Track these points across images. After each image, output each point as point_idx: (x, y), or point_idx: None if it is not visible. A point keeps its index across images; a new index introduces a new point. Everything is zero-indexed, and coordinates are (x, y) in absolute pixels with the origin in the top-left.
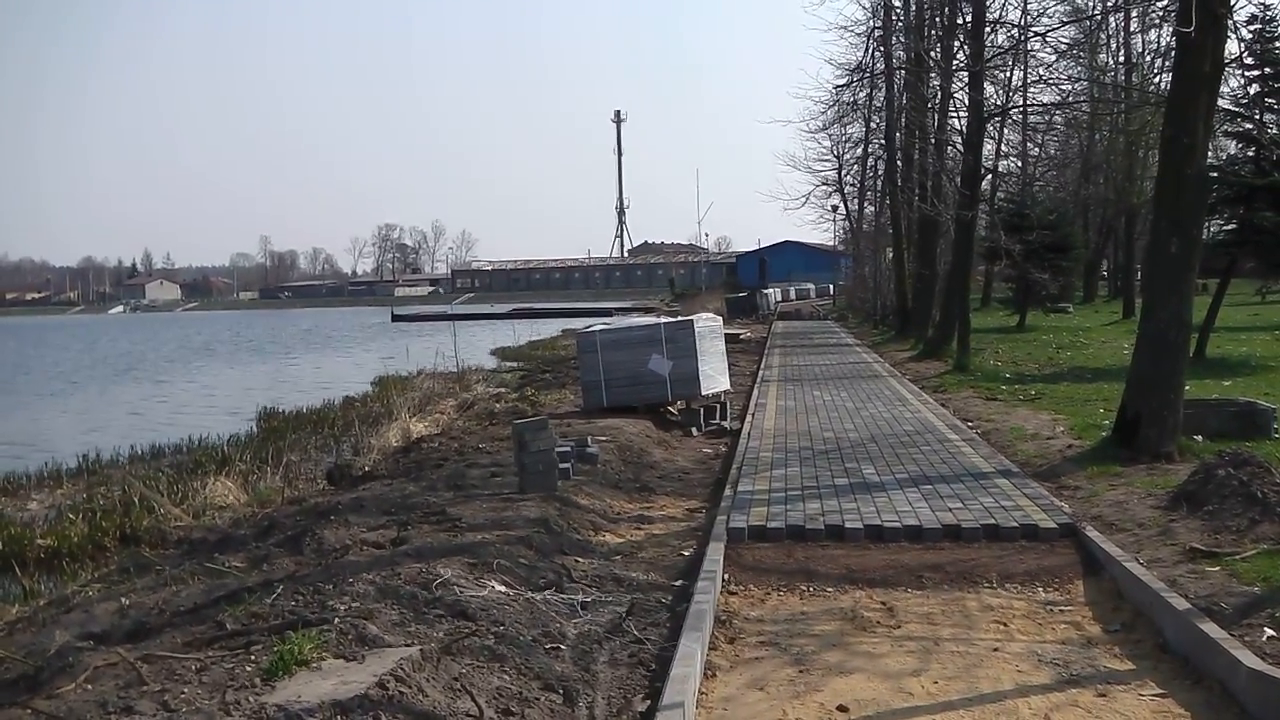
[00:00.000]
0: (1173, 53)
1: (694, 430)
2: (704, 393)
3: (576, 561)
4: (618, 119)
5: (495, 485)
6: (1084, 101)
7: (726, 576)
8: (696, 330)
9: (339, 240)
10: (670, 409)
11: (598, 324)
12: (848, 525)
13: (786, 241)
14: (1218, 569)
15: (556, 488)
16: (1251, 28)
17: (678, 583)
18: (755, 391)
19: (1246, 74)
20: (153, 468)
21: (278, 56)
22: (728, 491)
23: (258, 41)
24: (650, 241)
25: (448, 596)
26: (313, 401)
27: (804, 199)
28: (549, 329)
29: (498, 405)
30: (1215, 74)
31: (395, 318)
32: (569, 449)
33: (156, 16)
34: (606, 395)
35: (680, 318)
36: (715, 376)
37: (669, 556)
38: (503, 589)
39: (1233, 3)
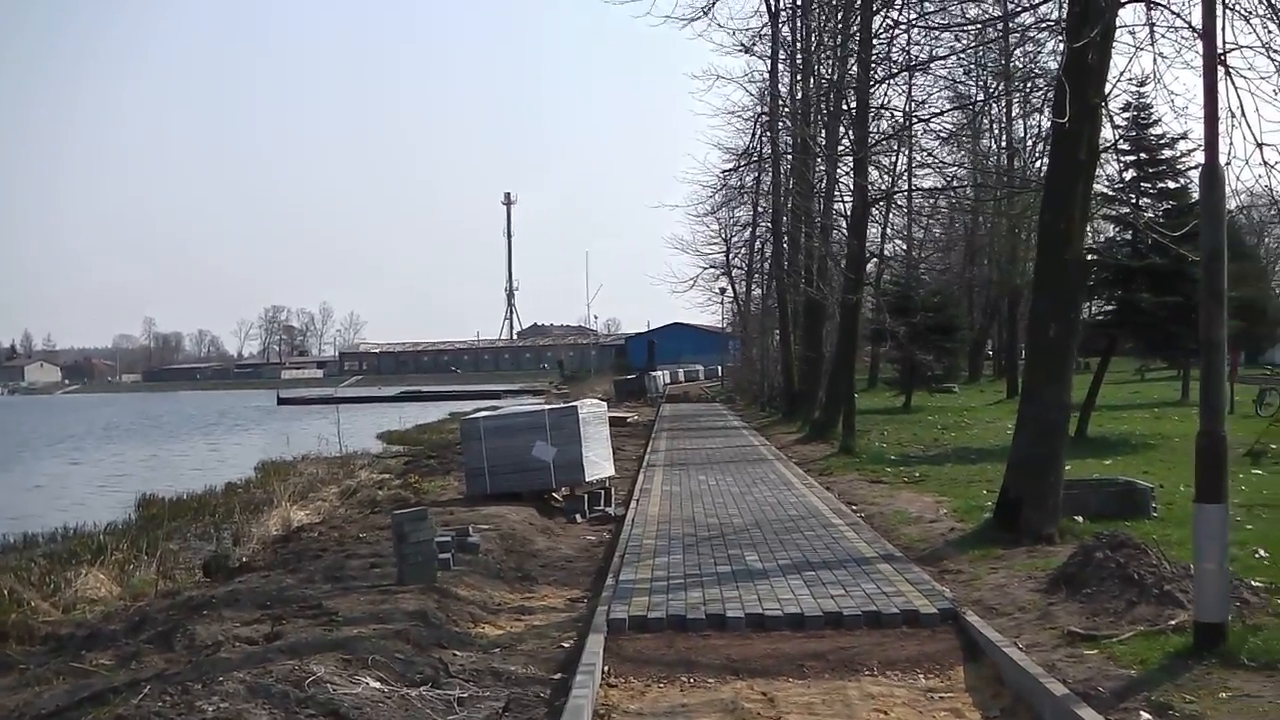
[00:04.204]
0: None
1: (578, 517)
2: (588, 479)
3: (454, 655)
4: (508, 201)
5: (374, 576)
6: (967, 186)
7: (606, 669)
8: (581, 416)
9: (225, 322)
10: (555, 495)
11: (482, 410)
12: (729, 614)
13: (675, 323)
14: (1096, 652)
15: (436, 579)
16: (1126, 115)
17: (557, 676)
18: (641, 476)
19: (1123, 159)
20: (24, 557)
21: (158, 139)
22: (609, 581)
23: (138, 123)
24: (540, 324)
25: (320, 695)
26: (194, 487)
27: (692, 282)
28: (437, 412)
29: (380, 492)
30: (1091, 161)
31: (281, 401)
32: (449, 539)
33: (29, 98)
34: (490, 482)
35: (564, 404)
36: (599, 463)
37: (549, 648)
38: (378, 685)
39: (1107, 92)
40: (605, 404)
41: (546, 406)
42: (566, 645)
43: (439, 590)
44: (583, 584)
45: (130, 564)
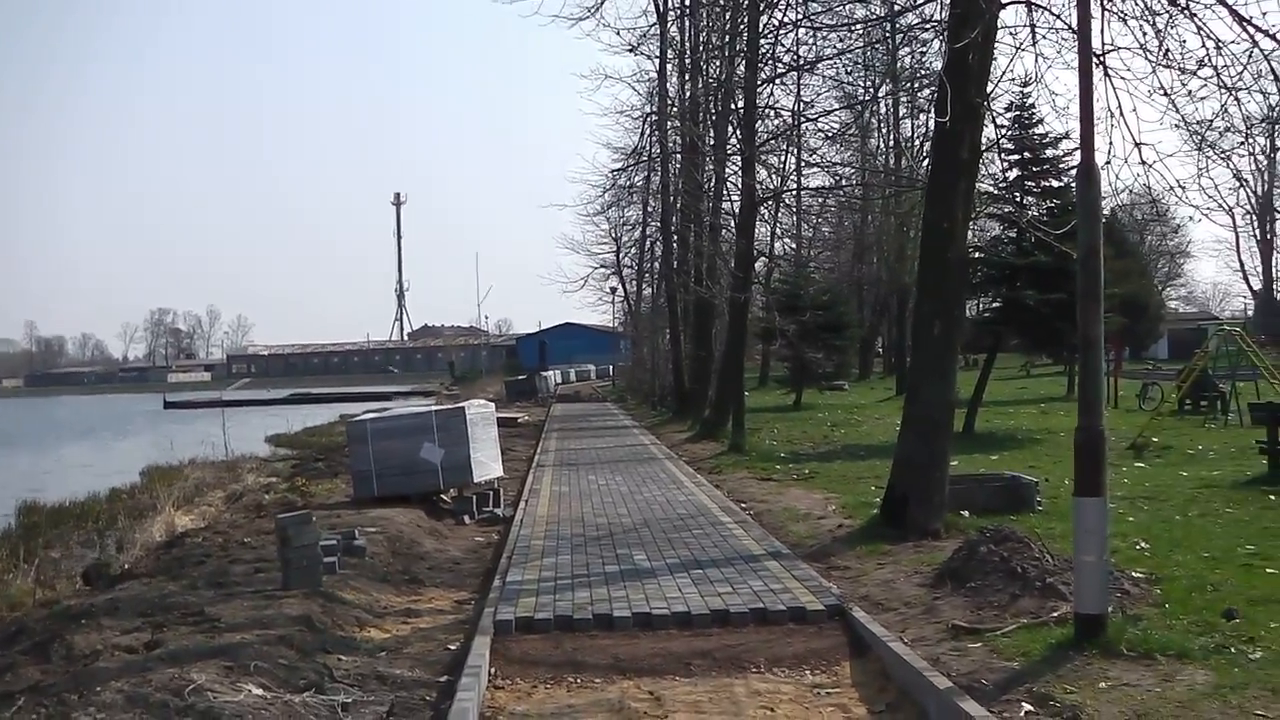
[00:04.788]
0: None
1: (467, 518)
2: (477, 480)
3: (339, 660)
4: (397, 201)
5: (259, 582)
6: (855, 185)
7: (493, 670)
8: (468, 417)
9: (109, 326)
10: (443, 497)
11: (368, 412)
12: (616, 614)
13: (567, 323)
14: (979, 645)
15: (321, 583)
16: (1010, 115)
17: (443, 679)
18: (530, 477)
19: (1007, 158)
20: None
21: (39, 139)
22: (496, 582)
23: (19, 122)
24: (430, 325)
25: (200, 704)
26: (79, 493)
27: (583, 281)
28: (327, 415)
29: (267, 496)
30: (973, 160)
31: (168, 405)
32: (335, 542)
33: None
34: (378, 484)
35: (452, 405)
36: (488, 463)
37: (435, 651)
38: (260, 692)
39: (989, 91)
40: (493, 405)
41: (433, 407)
42: (453, 648)
43: (324, 594)
44: (470, 586)
45: (9, 573)
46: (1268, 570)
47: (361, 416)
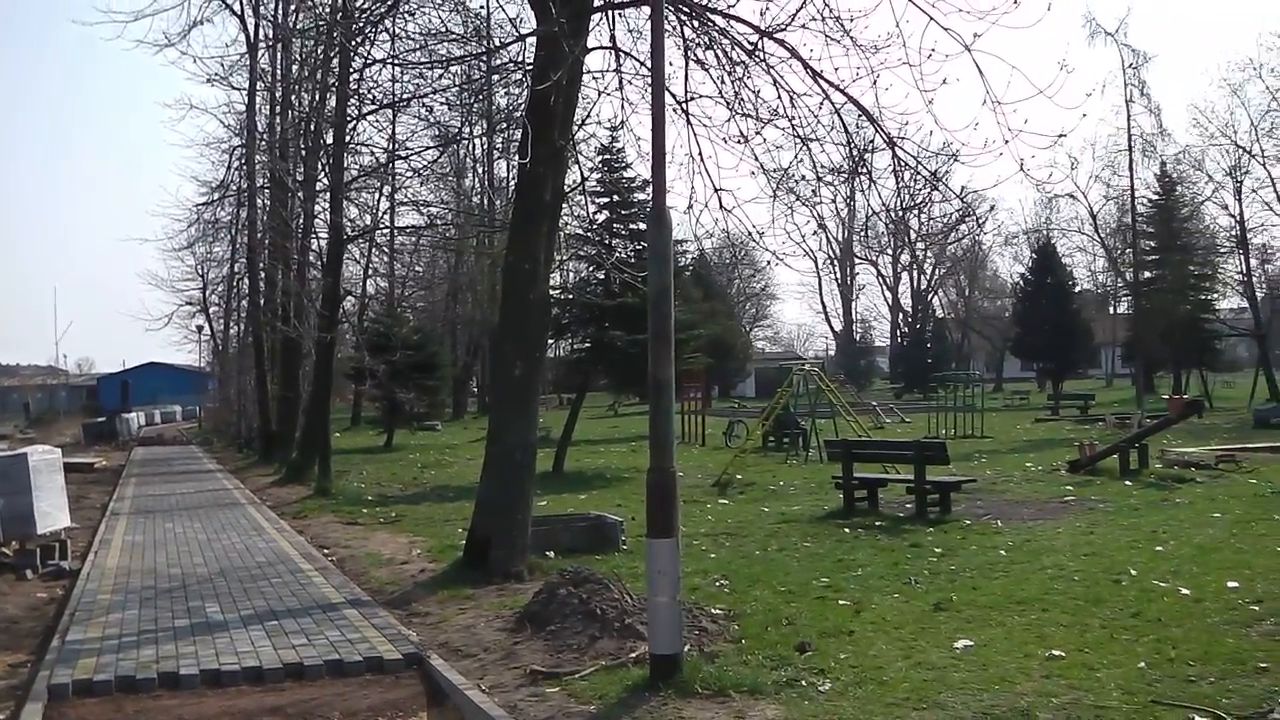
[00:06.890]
0: None
1: (29, 573)
2: (41, 531)
3: None
4: None
5: None
6: (449, 225)
7: None
8: (31, 464)
9: None
10: (3, 550)
11: None
12: (183, 671)
13: (152, 363)
14: (557, 690)
15: None
16: (602, 158)
17: None
18: (103, 526)
19: (596, 201)
20: None
21: None
22: (55, 642)
23: None
24: (5, 364)
25: None
26: None
27: (167, 319)
28: None
29: None
30: (556, 202)
31: None
32: None
33: None
34: None
35: (13, 450)
36: (54, 513)
37: None
38: None
39: (575, 134)
40: (60, 450)
41: None
42: (2, 717)
43: None
44: (28, 647)
45: None
46: (840, 602)
47: None
